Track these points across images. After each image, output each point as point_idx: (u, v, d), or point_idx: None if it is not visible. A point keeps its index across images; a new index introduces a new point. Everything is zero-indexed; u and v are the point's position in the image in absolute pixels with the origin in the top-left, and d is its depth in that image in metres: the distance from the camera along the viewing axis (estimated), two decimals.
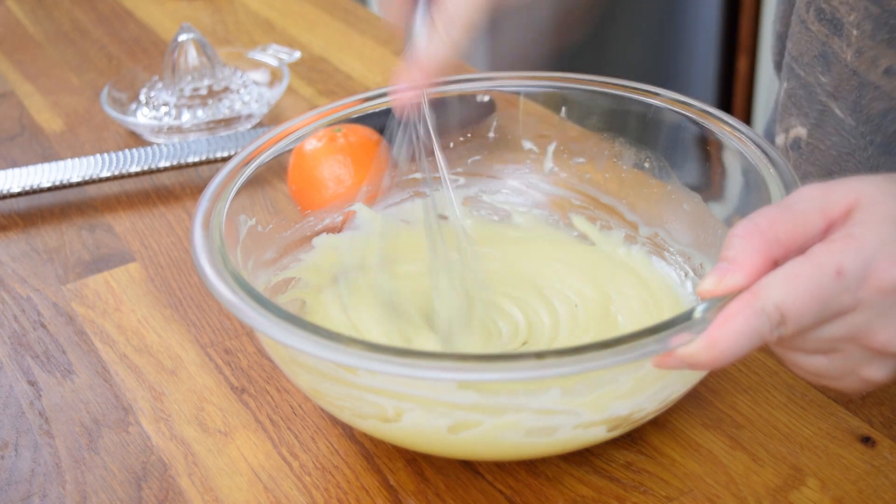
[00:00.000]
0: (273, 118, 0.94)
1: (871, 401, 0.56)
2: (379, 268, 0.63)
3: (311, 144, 0.66)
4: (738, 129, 0.57)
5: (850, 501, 0.50)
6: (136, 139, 0.91)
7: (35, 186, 0.80)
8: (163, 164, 0.82)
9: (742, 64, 1.90)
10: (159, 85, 0.94)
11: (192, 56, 0.92)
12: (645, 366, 0.47)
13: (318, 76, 1.02)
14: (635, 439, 0.54)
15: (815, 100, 0.66)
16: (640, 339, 0.42)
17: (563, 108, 0.65)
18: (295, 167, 0.65)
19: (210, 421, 0.58)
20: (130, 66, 1.04)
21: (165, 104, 0.92)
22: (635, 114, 0.63)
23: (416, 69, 0.53)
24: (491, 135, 0.69)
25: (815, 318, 0.41)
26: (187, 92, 0.92)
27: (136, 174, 0.82)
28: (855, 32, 0.61)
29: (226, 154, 0.83)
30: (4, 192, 0.79)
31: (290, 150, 0.63)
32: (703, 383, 0.57)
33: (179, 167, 0.82)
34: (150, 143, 0.89)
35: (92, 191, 0.83)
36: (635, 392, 0.47)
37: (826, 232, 0.42)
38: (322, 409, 0.58)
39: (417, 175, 0.68)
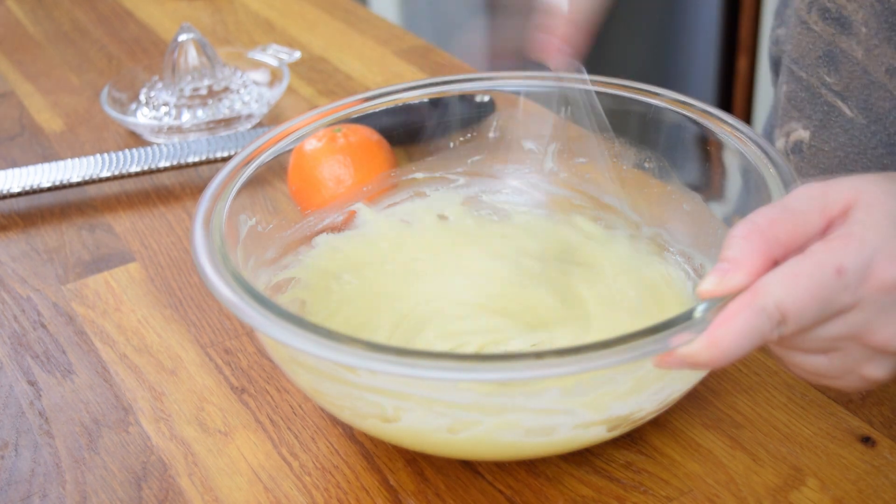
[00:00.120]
0: (273, 118, 0.94)
1: (871, 401, 0.56)
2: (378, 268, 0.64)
3: (311, 144, 0.66)
4: (739, 129, 0.57)
5: (850, 501, 0.50)
6: (136, 139, 0.91)
7: (35, 186, 0.80)
8: (163, 164, 0.82)
9: (742, 64, 1.90)
10: (159, 85, 0.94)
11: (192, 56, 0.92)
12: (645, 366, 0.47)
13: (318, 76, 1.02)
14: (635, 439, 0.54)
15: (820, 101, 0.66)
16: (640, 339, 0.42)
17: (564, 108, 0.65)
18: (295, 167, 0.65)
19: (210, 421, 0.58)
20: (130, 66, 1.04)
21: (165, 104, 0.92)
22: (636, 114, 0.63)
23: (563, 25, 0.55)
24: (491, 134, 0.69)
25: (815, 317, 0.41)
26: (187, 92, 0.92)
27: (136, 174, 0.82)
28: (864, 30, 0.61)
29: (226, 154, 0.83)
30: (4, 192, 0.79)
31: (290, 150, 0.63)
32: (703, 383, 0.57)
33: (179, 167, 0.82)
34: (150, 143, 0.89)
35: (92, 191, 0.83)
36: (635, 392, 0.47)
37: (825, 231, 0.42)
38: (322, 409, 0.58)
39: (418, 175, 0.68)
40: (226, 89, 0.93)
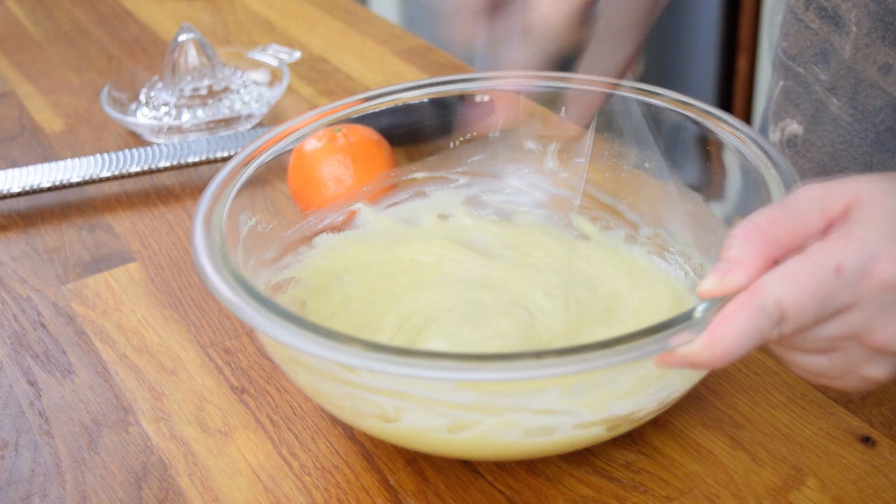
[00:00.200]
0: (273, 118, 0.94)
1: (871, 401, 0.56)
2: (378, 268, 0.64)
3: (311, 144, 0.66)
4: (739, 129, 0.57)
5: (850, 501, 0.50)
6: (136, 139, 0.91)
7: (35, 186, 0.80)
8: (163, 164, 0.82)
9: (742, 64, 1.90)
10: (159, 85, 0.94)
11: (192, 56, 0.92)
12: (645, 366, 0.47)
13: (318, 76, 1.02)
14: (635, 439, 0.54)
15: (813, 97, 0.66)
16: (640, 339, 0.42)
17: (564, 108, 0.65)
18: (295, 167, 0.65)
19: (210, 421, 0.58)
20: (130, 66, 1.04)
21: (165, 104, 0.92)
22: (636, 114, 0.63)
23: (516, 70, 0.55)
24: (492, 134, 0.69)
25: (815, 317, 0.41)
26: (187, 92, 0.92)
27: (136, 174, 0.82)
28: (854, 29, 0.61)
29: (226, 154, 0.83)
30: (4, 192, 0.79)
31: (290, 150, 0.62)
32: (703, 383, 0.57)
33: (179, 167, 0.82)
34: (150, 143, 0.89)
35: (92, 191, 0.83)
36: (635, 392, 0.47)
37: (826, 231, 0.42)
38: (322, 409, 0.58)
39: (418, 175, 0.68)
40: (226, 89, 0.93)
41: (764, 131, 0.77)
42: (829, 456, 0.52)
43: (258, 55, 1.00)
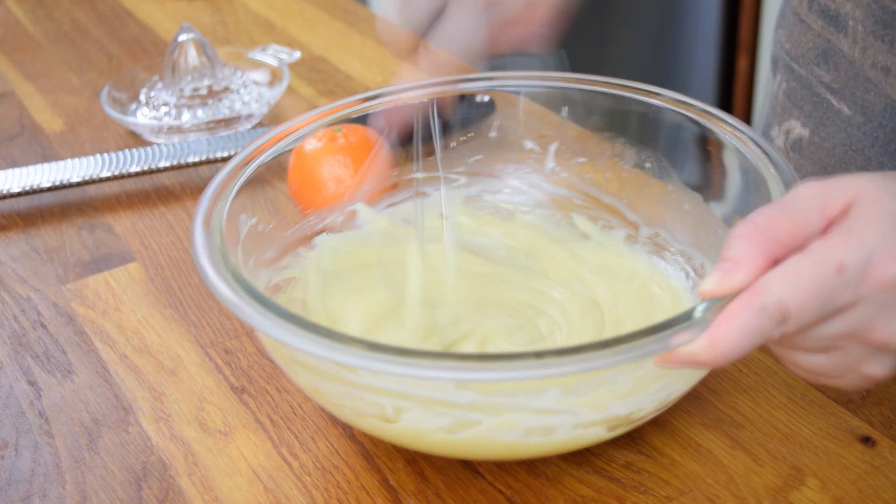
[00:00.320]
0: (273, 118, 0.94)
1: (871, 401, 0.56)
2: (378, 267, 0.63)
3: (311, 144, 0.66)
4: (739, 129, 0.57)
5: (850, 501, 0.50)
6: (136, 139, 0.91)
7: (35, 186, 0.80)
8: (163, 164, 0.82)
9: (742, 64, 1.90)
10: (159, 85, 0.94)
11: (192, 56, 0.92)
12: (645, 366, 0.47)
13: (318, 76, 1.02)
14: (635, 439, 0.54)
15: (817, 98, 0.66)
16: (640, 338, 0.42)
17: (564, 109, 0.65)
18: (295, 167, 0.65)
19: (210, 421, 0.58)
20: (130, 66, 1.04)
21: (165, 104, 0.92)
22: (636, 114, 0.63)
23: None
24: (492, 134, 0.69)
25: (816, 315, 0.41)
26: (187, 92, 0.92)
27: (136, 174, 0.82)
28: (852, 24, 0.61)
29: (226, 154, 0.83)
30: (4, 192, 0.79)
31: (290, 150, 0.62)
32: (703, 383, 0.57)
33: (179, 167, 0.82)
34: (150, 143, 0.89)
35: (92, 191, 0.83)
36: (635, 392, 0.47)
37: (825, 230, 0.42)
38: (322, 409, 0.58)
39: (418, 175, 0.68)
40: (226, 89, 0.93)
41: (765, 132, 0.78)
42: (829, 456, 0.52)
43: (258, 55, 1.00)
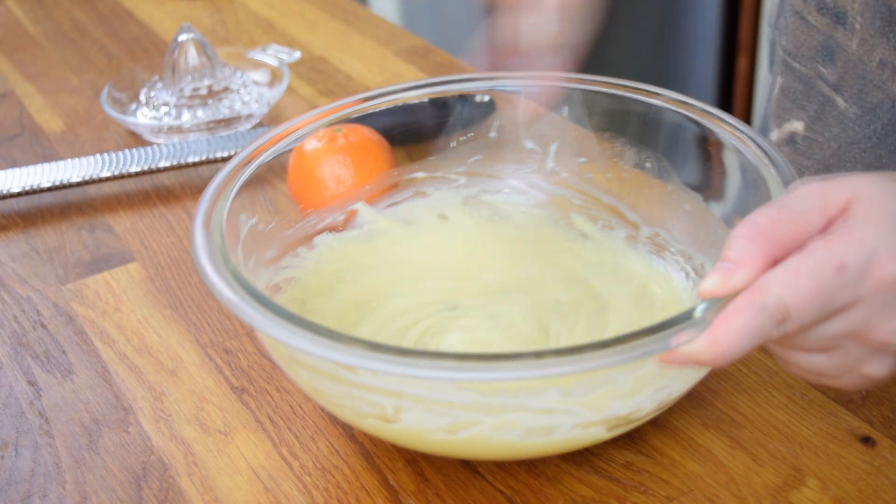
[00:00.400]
0: (273, 118, 0.94)
1: (871, 401, 0.56)
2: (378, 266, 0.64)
3: (311, 144, 0.66)
4: (739, 129, 0.57)
5: (850, 501, 0.50)
6: (136, 139, 0.91)
7: (35, 186, 0.80)
8: (163, 164, 0.82)
9: (742, 64, 1.90)
10: (159, 85, 0.94)
11: (192, 56, 0.92)
12: (645, 366, 0.47)
13: (318, 76, 1.02)
14: (635, 439, 0.54)
15: (815, 93, 0.66)
16: (640, 338, 0.42)
17: (565, 108, 0.65)
18: (295, 167, 0.65)
19: (210, 421, 0.58)
20: (130, 66, 1.04)
21: (165, 104, 0.92)
22: (636, 114, 0.63)
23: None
24: (492, 134, 0.69)
25: (816, 315, 0.41)
26: (187, 92, 0.92)
27: (136, 174, 0.82)
28: (858, 21, 0.61)
29: (226, 154, 0.83)
30: (4, 192, 0.79)
31: (290, 150, 0.62)
32: (703, 383, 0.57)
33: (179, 167, 0.82)
34: (150, 143, 0.89)
35: (92, 191, 0.83)
36: (634, 392, 0.47)
37: (825, 230, 0.42)
38: (322, 409, 0.58)
39: (419, 174, 0.68)
40: (226, 89, 0.93)
41: (764, 131, 0.78)
42: (829, 456, 0.52)
43: (258, 55, 1.00)
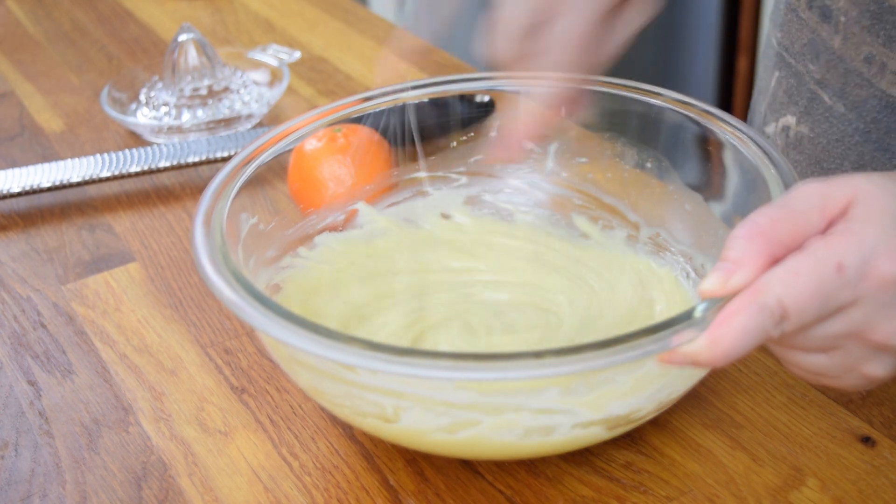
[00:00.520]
0: (273, 118, 0.94)
1: (871, 401, 0.56)
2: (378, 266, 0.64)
3: (311, 144, 0.66)
4: (740, 130, 0.57)
5: (850, 501, 0.50)
6: (136, 139, 0.91)
7: (35, 186, 0.80)
8: (163, 164, 0.82)
9: (742, 64, 1.90)
10: (159, 85, 0.94)
11: (192, 56, 0.92)
12: (645, 366, 0.47)
13: (318, 76, 1.02)
14: (635, 439, 0.54)
15: (805, 88, 0.66)
16: (640, 338, 0.42)
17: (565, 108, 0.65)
18: (295, 167, 0.65)
19: (210, 421, 0.58)
20: (130, 66, 1.04)
21: (165, 104, 0.92)
22: (637, 114, 0.63)
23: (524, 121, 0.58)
24: (493, 134, 0.69)
25: (816, 314, 0.41)
26: (187, 92, 0.92)
27: (136, 174, 0.82)
28: (843, 19, 0.61)
29: (226, 154, 0.83)
30: (4, 192, 0.79)
31: (290, 150, 0.62)
32: (703, 383, 0.57)
33: (179, 167, 0.82)
34: (150, 143, 0.89)
35: (92, 191, 0.83)
36: (634, 392, 0.47)
37: (825, 230, 0.42)
38: (322, 409, 0.58)
39: (420, 174, 0.68)
40: (226, 89, 0.93)
41: (760, 126, 0.78)
42: (829, 456, 0.52)
43: (258, 55, 1.00)
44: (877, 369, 0.44)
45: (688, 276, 0.60)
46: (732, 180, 0.58)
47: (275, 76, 0.97)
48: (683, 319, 0.42)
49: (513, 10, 0.57)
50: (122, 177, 0.81)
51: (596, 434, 0.49)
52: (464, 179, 0.69)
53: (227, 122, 0.90)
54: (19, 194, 0.80)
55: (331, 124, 0.65)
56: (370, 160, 0.67)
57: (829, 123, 0.65)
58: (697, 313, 0.42)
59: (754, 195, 0.54)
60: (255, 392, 0.59)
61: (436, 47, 1.06)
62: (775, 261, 0.41)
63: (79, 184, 0.81)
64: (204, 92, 0.92)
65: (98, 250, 0.75)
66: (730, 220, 0.58)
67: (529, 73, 0.62)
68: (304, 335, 0.44)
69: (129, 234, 0.77)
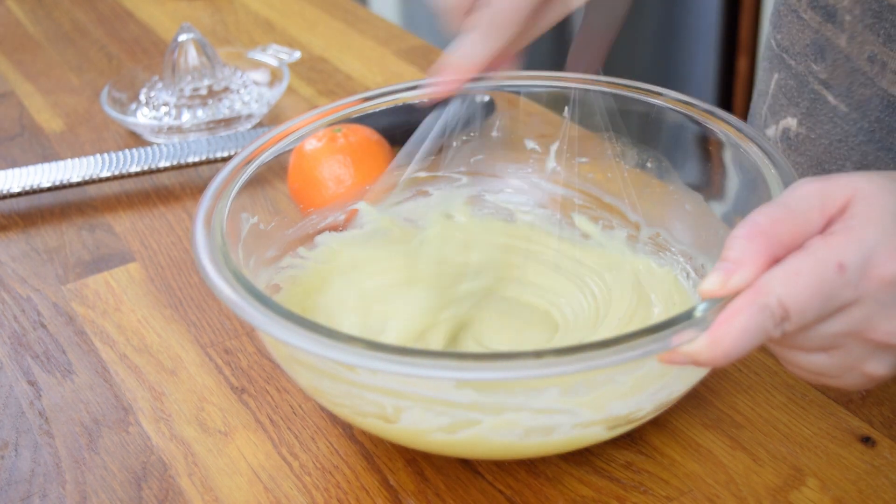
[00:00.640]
0: (273, 118, 0.94)
1: (871, 401, 0.56)
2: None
3: (311, 144, 0.66)
4: (741, 130, 0.57)
5: (850, 501, 0.50)
6: (136, 139, 0.91)
7: (35, 186, 0.80)
8: (163, 164, 0.82)
9: (742, 64, 1.90)
10: (159, 85, 0.94)
11: (192, 56, 0.92)
12: (645, 366, 0.47)
13: (318, 76, 1.02)
14: (635, 439, 0.54)
15: (808, 89, 0.66)
16: (640, 338, 0.42)
17: (566, 108, 0.65)
18: (295, 167, 0.65)
19: (210, 421, 0.58)
20: (130, 66, 1.04)
21: (165, 104, 0.92)
22: (637, 114, 0.63)
23: (451, 68, 0.56)
24: (494, 134, 0.69)
25: (817, 314, 0.41)
26: (187, 92, 0.92)
27: (136, 174, 0.82)
28: (847, 17, 0.61)
29: (226, 154, 0.83)
30: (4, 192, 0.79)
31: (290, 150, 0.62)
32: (703, 383, 0.57)
33: (179, 167, 0.82)
34: (150, 143, 0.89)
35: (92, 191, 0.83)
36: (634, 392, 0.47)
37: (825, 229, 0.42)
38: (322, 409, 0.58)
39: (420, 174, 0.68)
40: (226, 89, 0.93)
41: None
42: (829, 456, 0.52)
43: (258, 55, 1.00)
44: (877, 368, 0.44)
45: (688, 276, 0.60)
46: (733, 180, 0.58)
47: (275, 76, 0.97)
48: (684, 319, 0.42)
49: None
50: (122, 177, 0.81)
51: (596, 434, 0.49)
52: (465, 179, 0.69)
53: (227, 122, 0.90)
54: (19, 194, 0.80)
55: (331, 124, 0.65)
56: (370, 160, 0.67)
57: (832, 124, 0.65)
58: (698, 313, 0.42)
59: (755, 195, 0.54)
60: (255, 392, 0.59)
61: (436, 47, 1.06)
62: (775, 260, 0.41)
63: (79, 184, 0.81)
64: (204, 92, 0.92)
65: (98, 250, 0.75)
66: (730, 220, 0.58)
67: (529, 73, 0.62)
68: (304, 335, 0.44)
69: (129, 234, 0.77)
